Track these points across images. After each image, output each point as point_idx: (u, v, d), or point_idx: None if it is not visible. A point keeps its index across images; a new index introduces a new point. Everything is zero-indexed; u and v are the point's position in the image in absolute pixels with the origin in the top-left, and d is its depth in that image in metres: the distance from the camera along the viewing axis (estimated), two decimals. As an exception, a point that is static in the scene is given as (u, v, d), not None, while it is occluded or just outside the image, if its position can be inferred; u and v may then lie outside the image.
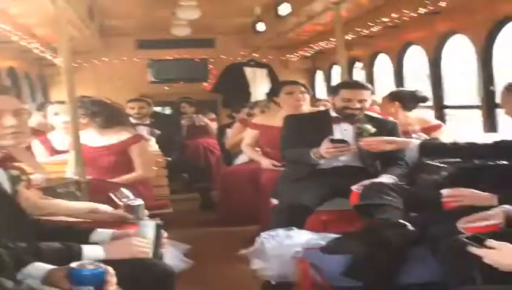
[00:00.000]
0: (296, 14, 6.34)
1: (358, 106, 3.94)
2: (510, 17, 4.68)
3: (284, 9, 6.62)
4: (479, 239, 2.16)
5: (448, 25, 5.47)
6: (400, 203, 3.32)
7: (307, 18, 6.35)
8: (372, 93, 4.19)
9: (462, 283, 2.54)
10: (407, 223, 3.07)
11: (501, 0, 4.52)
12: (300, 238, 3.52)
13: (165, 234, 2.62)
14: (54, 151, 4.72)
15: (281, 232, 3.56)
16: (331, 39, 6.85)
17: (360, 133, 3.92)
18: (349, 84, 4.34)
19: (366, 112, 4.17)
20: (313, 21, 6.37)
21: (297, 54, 9.16)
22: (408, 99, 4.79)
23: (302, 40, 8.23)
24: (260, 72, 9.48)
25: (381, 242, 3.08)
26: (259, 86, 9.39)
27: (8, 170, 2.50)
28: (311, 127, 4.03)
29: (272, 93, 5.06)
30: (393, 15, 5.55)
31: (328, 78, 9.20)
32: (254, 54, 9.42)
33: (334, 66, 8.55)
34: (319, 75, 9.84)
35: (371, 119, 4.07)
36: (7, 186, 2.45)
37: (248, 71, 9.42)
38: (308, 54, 8.94)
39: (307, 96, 4.85)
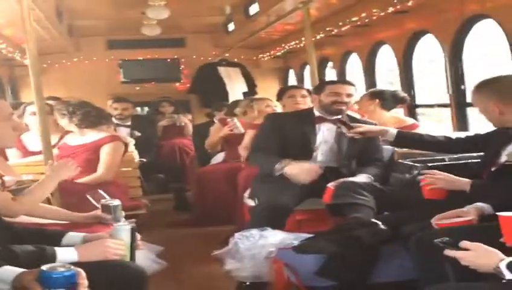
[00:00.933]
0: (265, 14, 6.32)
1: (346, 100, 4.03)
2: (478, 16, 4.72)
3: (254, 8, 6.61)
4: (451, 241, 2.18)
5: (417, 24, 5.51)
6: (372, 202, 3.35)
7: (276, 17, 6.34)
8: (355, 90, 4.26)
9: (434, 279, 2.55)
10: (379, 222, 3.10)
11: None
12: (274, 238, 3.51)
13: (139, 236, 2.61)
14: (28, 152, 4.69)
15: (254, 232, 3.56)
16: (302, 39, 6.86)
17: (342, 133, 3.97)
18: (337, 80, 4.53)
19: (348, 113, 4.20)
20: (282, 20, 6.36)
21: (269, 54, 9.14)
22: (388, 99, 4.84)
23: (273, 39, 8.24)
24: (234, 72, 9.46)
25: (353, 241, 3.10)
26: (236, 85, 9.36)
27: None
28: (292, 125, 4.05)
29: (279, 96, 5.28)
30: (363, 14, 5.57)
31: (300, 78, 9.21)
32: (226, 54, 9.38)
33: (307, 66, 8.57)
34: (292, 74, 9.85)
35: (353, 120, 4.11)
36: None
37: (222, 70, 9.39)
38: (280, 54, 8.93)
39: (308, 100, 4.94)
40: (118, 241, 2.45)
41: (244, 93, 9.10)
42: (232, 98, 8.81)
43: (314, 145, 3.99)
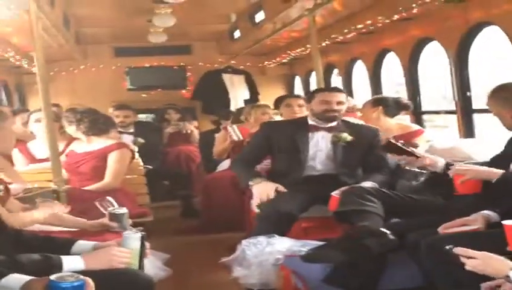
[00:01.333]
0: (271, 21, 6.34)
1: (336, 108, 4.02)
2: (483, 23, 4.73)
3: (260, 16, 6.63)
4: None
5: (422, 31, 5.50)
6: (380, 208, 3.32)
7: (282, 25, 6.36)
8: (348, 97, 4.25)
9: (446, 285, 2.58)
10: (387, 231, 3.08)
11: (473, 7, 4.56)
12: (282, 245, 3.53)
13: (148, 245, 2.61)
14: (34, 160, 4.70)
15: (262, 239, 3.57)
16: (308, 46, 6.88)
17: (336, 142, 3.98)
18: (326, 88, 4.66)
19: (344, 118, 4.20)
20: (288, 28, 6.38)
21: (275, 61, 9.15)
22: (391, 106, 4.83)
23: (279, 46, 8.24)
24: (238, 79, 9.48)
25: (362, 251, 3.08)
26: (238, 92, 9.39)
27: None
28: (284, 135, 4.06)
29: (274, 105, 5.43)
30: (368, 22, 5.58)
31: (306, 85, 9.22)
32: (232, 61, 9.41)
33: (313, 73, 8.59)
34: (297, 81, 9.86)
35: (349, 126, 4.10)
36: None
37: (226, 78, 9.41)
38: (285, 61, 8.95)
39: (305, 109, 4.90)
40: (123, 249, 2.45)
41: (246, 101, 9.13)
42: (233, 105, 8.85)
43: (308, 154, 3.99)
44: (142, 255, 2.51)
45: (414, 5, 4.70)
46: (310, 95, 4.24)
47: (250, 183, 3.85)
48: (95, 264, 2.35)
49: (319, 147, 4.02)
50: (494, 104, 3.15)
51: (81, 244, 2.58)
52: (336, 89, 4.24)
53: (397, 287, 3.23)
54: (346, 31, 6.05)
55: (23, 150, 4.72)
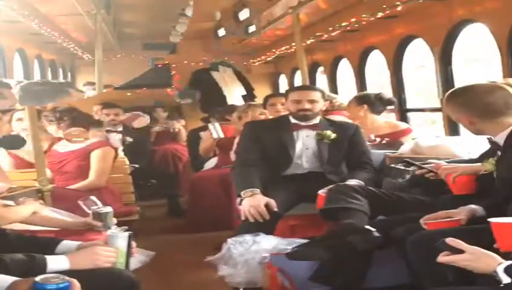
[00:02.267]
0: (255, 19, 6.34)
1: (308, 106, 4.01)
2: (467, 20, 4.75)
3: (245, 14, 6.62)
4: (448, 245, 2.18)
5: (406, 29, 5.54)
6: (366, 206, 3.31)
7: (266, 23, 6.36)
8: (323, 95, 4.20)
9: (433, 281, 2.56)
10: (372, 229, 3.07)
11: (457, 4, 4.60)
12: (267, 243, 3.53)
13: (134, 244, 2.59)
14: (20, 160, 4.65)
15: (247, 237, 3.57)
16: (293, 44, 6.88)
17: (321, 139, 3.98)
18: (296, 87, 4.76)
19: (328, 117, 4.21)
20: (272, 26, 6.38)
21: (260, 59, 9.15)
22: (375, 103, 4.83)
23: (263, 45, 8.25)
24: (229, 73, 9.41)
25: (346, 248, 3.08)
26: (232, 88, 9.31)
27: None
28: (270, 133, 4.05)
29: (263, 105, 5.40)
30: (352, 19, 5.59)
31: (291, 82, 9.23)
32: (214, 60, 9.37)
33: (298, 71, 8.59)
34: (283, 80, 9.86)
35: (332, 124, 4.11)
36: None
37: (216, 75, 9.35)
38: (270, 59, 8.95)
39: None
40: (108, 249, 2.43)
41: (243, 97, 9.06)
42: (230, 102, 8.79)
43: (294, 152, 3.98)
44: (128, 254, 2.49)
45: (398, 3, 4.72)
46: (285, 94, 4.26)
47: (242, 195, 3.73)
48: (80, 264, 2.32)
49: (305, 145, 4.01)
50: (451, 111, 3.00)
51: (66, 244, 2.55)
52: (306, 88, 4.32)
53: (384, 284, 3.23)
54: (330, 29, 6.05)
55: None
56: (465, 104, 2.82)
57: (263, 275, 3.48)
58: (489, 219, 2.27)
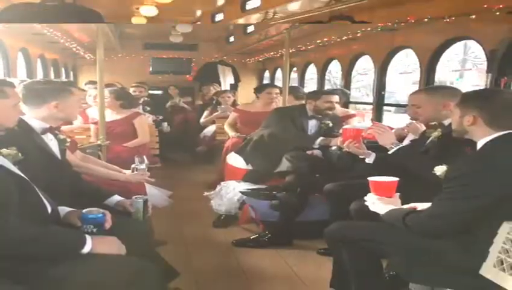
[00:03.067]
0: (258, 33, 6.33)
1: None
2: (402, 46, 4.81)
3: (251, 28, 6.62)
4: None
5: (360, 47, 5.53)
6: (306, 168, 3.42)
7: (265, 36, 6.36)
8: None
9: (340, 219, 2.43)
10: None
11: (398, 34, 4.60)
12: (242, 187, 3.70)
13: (150, 206, 2.41)
14: (87, 121, 4.55)
15: (232, 183, 3.75)
16: (279, 50, 6.91)
17: (322, 127, 3.89)
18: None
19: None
20: (268, 39, 6.38)
21: (254, 59, 9.12)
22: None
23: (258, 49, 8.20)
24: (227, 69, 9.44)
25: (288, 189, 3.34)
26: (226, 78, 9.35)
27: (58, 135, 2.41)
28: (294, 117, 3.90)
29: (257, 90, 5.00)
30: (325, 39, 5.62)
31: (272, 77, 9.18)
32: (224, 57, 9.34)
33: (278, 69, 8.60)
34: (267, 74, 9.86)
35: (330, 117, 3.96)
36: (55, 147, 2.37)
37: (219, 68, 9.34)
38: (261, 59, 8.92)
39: (280, 98, 4.82)
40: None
41: (231, 85, 9.12)
42: (223, 86, 8.82)
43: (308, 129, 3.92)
44: (145, 211, 2.35)
45: (359, 31, 4.73)
46: (316, 95, 4.00)
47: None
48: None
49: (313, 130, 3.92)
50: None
51: (112, 199, 2.39)
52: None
53: (313, 218, 3.33)
54: (308, 43, 6.06)
55: (83, 114, 4.63)
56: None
57: (240, 208, 3.67)
58: (368, 178, 2.04)
